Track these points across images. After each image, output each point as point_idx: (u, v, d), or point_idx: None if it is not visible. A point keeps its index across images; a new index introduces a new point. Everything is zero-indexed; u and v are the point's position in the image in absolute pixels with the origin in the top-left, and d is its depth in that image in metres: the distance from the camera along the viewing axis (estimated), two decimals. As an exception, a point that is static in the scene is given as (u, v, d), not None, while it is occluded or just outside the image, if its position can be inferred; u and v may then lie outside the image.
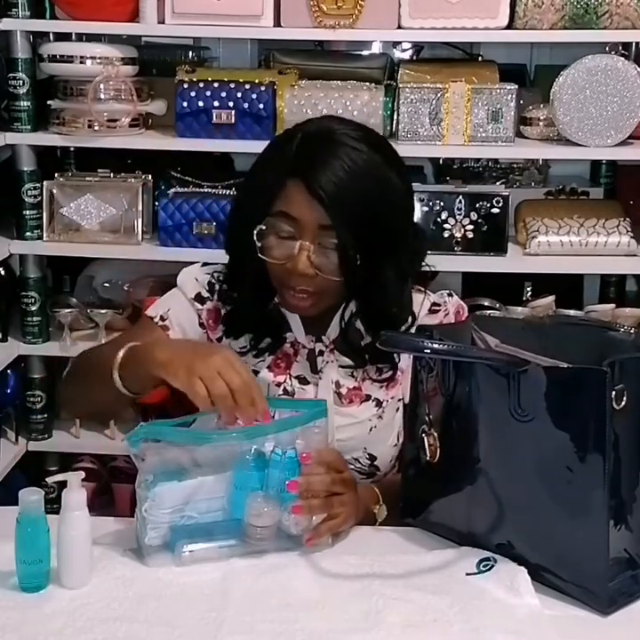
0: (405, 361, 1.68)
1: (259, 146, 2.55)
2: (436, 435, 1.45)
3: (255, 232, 1.58)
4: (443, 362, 1.45)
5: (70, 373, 1.77)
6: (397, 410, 1.72)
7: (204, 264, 1.76)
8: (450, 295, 1.76)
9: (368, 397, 1.69)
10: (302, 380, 1.68)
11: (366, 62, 2.69)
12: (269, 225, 1.58)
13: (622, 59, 2.49)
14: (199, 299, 1.71)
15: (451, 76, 2.54)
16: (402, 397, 1.71)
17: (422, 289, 1.74)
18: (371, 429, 1.68)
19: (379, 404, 1.69)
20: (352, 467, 1.64)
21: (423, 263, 1.70)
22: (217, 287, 1.72)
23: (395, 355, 1.68)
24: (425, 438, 1.45)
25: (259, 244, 1.58)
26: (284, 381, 1.68)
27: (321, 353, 1.69)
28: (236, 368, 1.43)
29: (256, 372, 1.66)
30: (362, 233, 1.55)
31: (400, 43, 2.92)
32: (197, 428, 1.50)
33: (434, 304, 1.73)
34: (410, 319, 1.67)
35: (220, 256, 1.76)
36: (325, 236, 1.55)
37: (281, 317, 1.68)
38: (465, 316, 1.74)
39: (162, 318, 1.69)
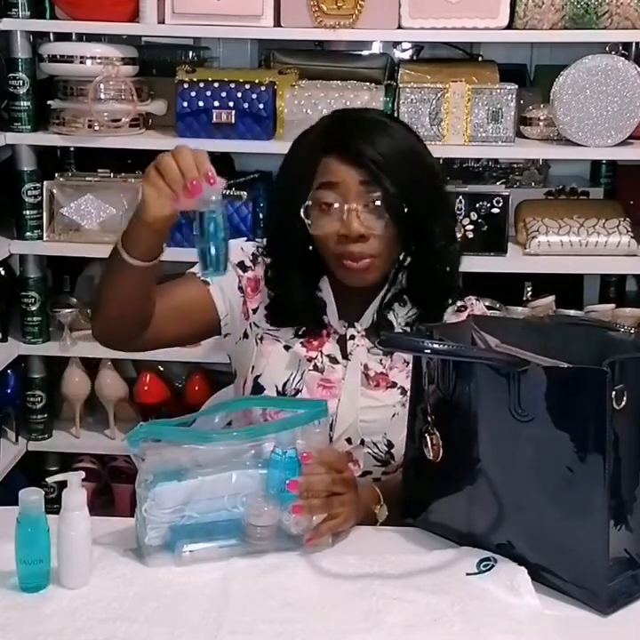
0: None
1: (259, 146, 2.56)
2: (438, 435, 1.45)
3: (302, 210, 1.63)
4: (443, 362, 1.45)
5: (93, 296, 1.77)
6: None
7: (248, 239, 1.83)
8: (477, 300, 1.81)
9: (394, 384, 1.71)
10: (333, 360, 1.71)
11: (366, 62, 2.69)
12: (314, 199, 1.63)
13: (622, 59, 2.49)
14: (242, 266, 1.75)
15: (451, 75, 2.54)
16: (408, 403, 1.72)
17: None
18: (393, 416, 1.70)
19: (404, 392, 1.70)
20: (369, 451, 1.68)
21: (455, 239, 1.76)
22: (260, 260, 1.76)
23: None
24: (428, 438, 1.45)
25: (308, 222, 1.64)
26: (316, 357, 1.70)
27: (352, 337, 1.72)
28: (187, 151, 1.45)
29: (288, 348, 1.72)
30: (402, 184, 1.61)
31: (400, 43, 2.91)
32: (197, 428, 1.50)
33: (462, 305, 1.77)
34: (457, 289, 1.75)
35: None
36: (369, 193, 1.61)
37: (320, 304, 1.73)
38: None
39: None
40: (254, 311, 1.75)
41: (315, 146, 1.67)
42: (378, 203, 1.61)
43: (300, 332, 1.73)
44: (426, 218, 1.65)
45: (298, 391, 1.69)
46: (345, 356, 1.72)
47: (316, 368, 1.70)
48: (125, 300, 1.59)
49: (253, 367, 1.73)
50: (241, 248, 1.77)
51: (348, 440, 1.68)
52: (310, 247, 1.69)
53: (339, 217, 1.62)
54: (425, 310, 1.73)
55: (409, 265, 1.72)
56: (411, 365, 1.69)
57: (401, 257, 1.71)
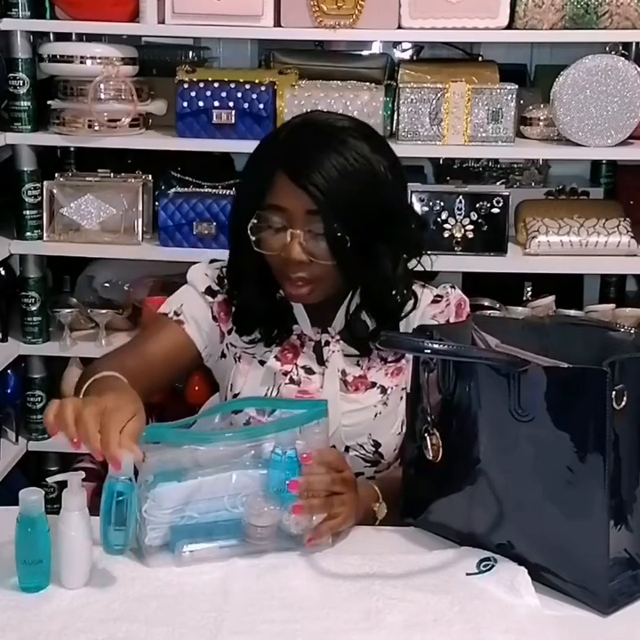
0: None
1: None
2: (438, 435, 1.45)
3: (249, 227, 1.61)
4: (443, 362, 1.45)
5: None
6: (401, 398, 1.72)
7: (212, 260, 1.79)
8: (452, 287, 1.78)
9: (373, 384, 1.71)
10: (308, 371, 1.70)
11: (366, 62, 2.69)
12: (261, 218, 1.61)
13: (622, 59, 2.49)
14: (210, 292, 1.73)
15: (451, 75, 2.54)
16: (405, 386, 1.72)
17: (424, 283, 1.76)
18: (376, 416, 1.69)
19: (383, 390, 1.70)
20: (356, 453, 1.68)
21: (422, 252, 1.71)
22: (226, 282, 1.74)
23: None
24: (428, 438, 1.45)
25: (253, 238, 1.62)
26: (291, 371, 1.70)
27: (327, 343, 1.71)
28: (109, 413, 1.32)
29: (263, 363, 1.70)
30: (349, 216, 1.58)
31: (400, 43, 2.92)
32: (198, 429, 1.50)
33: (437, 296, 1.75)
34: (411, 304, 1.71)
35: (220, 256, 1.77)
36: (314, 222, 1.58)
37: (287, 309, 1.71)
38: (466, 309, 1.76)
39: (176, 313, 1.71)
40: (229, 332, 1.73)
41: (272, 155, 1.63)
42: (322, 232, 1.58)
43: (271, 343, 1.71)
44: (371, 246, 1.61)
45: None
46: (321, 362, 1.71)
47: (292, 381, 1.69)
48: None
49: (231, 385, 1.72)
50: (205, 274, 1.74)
51: (333, 447, 1.65)
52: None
53: (282, 240, 1.59)
54: (380, 322, 1.69)
55: (357, 283, 1.68)
56: (389, 363, 1.72)
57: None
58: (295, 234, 1.58)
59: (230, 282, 1.73)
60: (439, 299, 1.75)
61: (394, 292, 1.68)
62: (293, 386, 1.69)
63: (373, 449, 1.70)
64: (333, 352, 1.70)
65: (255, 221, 1.62)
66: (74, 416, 1.31)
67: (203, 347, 1.72)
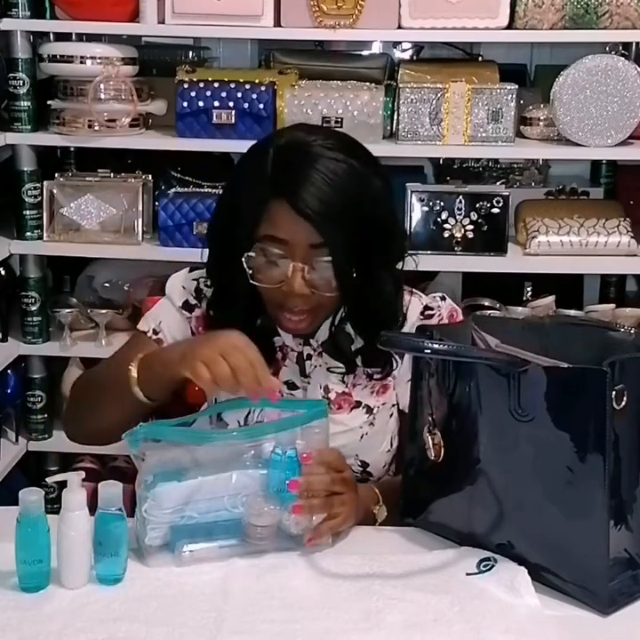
0: (402, 368, 1.68)
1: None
2: (439, 434, 1.45)
3: (244, 259, 1.55)
4: (443, 362, 1.45)
5: (75, 400, 1.73)
6: (391, 415, 1.70)
7: (192, 269, 1.73)
8: (442, 299, 1.73)
9: (358, 404, 1.67)
10: (291, 386, 1.67)
11: (366, 62, 2.69)
12: (258, 250, 1.55)
13: (622, 59, 2.49)
14: (187, 307, 1.69)
15: (451, 75, 2.54)
16: (395, 403, 1.70)
17: (413, 290, 1.72)
18: (362, 437, 1.67)
19: (369, 410, 1.67)
20: None
21: (405, 259, 1.67)
22: (205, 293, 1.69)
23: (393, 359, 1.67)
24: (430, 438, 1.45)
25: (249, 271, 1.56)
26: None
27: (309, 357, 1.67)
28: (239, 348, 1.43)
29: None
30: (354, 245, 1.53)
31: (400, 43, 2.92)
32: (197, 428, 1.50)
33: (426, 307, 1.71)
34: (400, 320, 1.67)
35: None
36: (318, 255, 1.53)
37: (269, 322, 1.65)
38: (459, 319, 1.72)
39: (154, 331, 1.67)
40: None
41: (261, 185, 1.54)
42: (326, 266, 1.53)
43: None
44: (375, 272, 1.58)
45: (260, 422, 1.59)
46: (304, 373, 1.67)
47: None
48: (117, 420, 1.54)
49: (216, 400, 1.64)
50: (182, 286, 1.69)
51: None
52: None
53: (282, 273, 1.54)
54: (366, 340, 1.64)
55: (352, 303, 1.64)
56: (374, 381, 1.67)
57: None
58: (297, 267, 1.53)
59: (212, 307, 1.66)
60: (431, 312, 1.70)
61: (385, 313, 1.64)
62: (288, 398, 1.64)
63: (361, 469, 1.67)
64: (315, 367, 1.67)
65: (252, 254, 1.55)
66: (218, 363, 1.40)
67: None
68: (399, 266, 1.65)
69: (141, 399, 1.53)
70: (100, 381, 1.67)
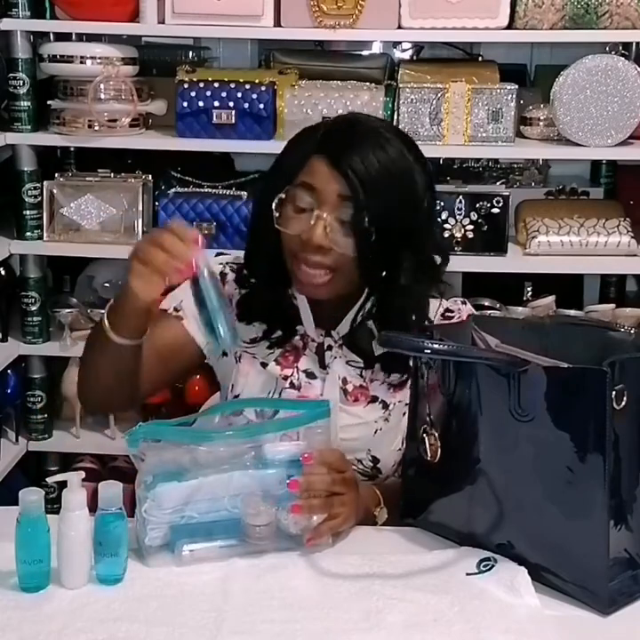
0: None
1: (259, 146, 2.56)
2: (436, 434, 1.45)
3: (274, 202, 1.58)
4: (443, 362, 1.45)
5: (80, 367, 1.72)
6: (404, 414, 1.69)
7: (218, 254, 1.77)
8: (463, 303, 1.75)
9: (375, 399, 1.67)
10: (310, 375, 1.67)
11: (366, 62, 2.69)
12: (289, 195, 1.58)
13: (622, 59, 2.49)
14: None
15: (451, 75, 2.54)
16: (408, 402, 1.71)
17: (436, 295, 1.72)
18: (376, 432, 1.67)
19: (385, 406, 1.67)
20: (354, 468, 1.63)
21: (442, 280, 1.68)
22: (229, 277, 1.71)
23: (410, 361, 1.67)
24: (426, 438, 1.45)
25: (276, 214, 1.58)
26: (292, 375, 1.66)
27: (329, 348, 1.68)
28: (162, 230, 1.45)
29: (264, 365, 1.67)
30: (381, 211, 1.54)
31: (400, 43, 2.92)
32: (197, 428, 1.50)
33: (447, 310, 1.72)
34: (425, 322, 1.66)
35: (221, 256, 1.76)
36: (343, 208, 1.55)
37: (293, 309, 1.67)
38: None
39: (175, 309, 1.68)
40: None
41: (309, 141, 1.61)
42: (349, 220, 1.54)
43: (274, 344, 1.68)
44: (395, 250, 1.57)
45: (276, 411, 1.62)
46: (323, 365, 1.67)
47: (292, 385, 1.65)
48: (114, 374, 1.57)
49: (233, 385, 1.69)
50: None
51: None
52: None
53: (306, 222, 1.55)
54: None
55: (374, 289, 1.64)
56: (393, 377, 1.67)
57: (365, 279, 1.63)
58: (321, 216, 1.54)
59: (245, 265, 1.70)
60: (451, 314, 1.72)
61: (411, 314, 1.62)
62: (294, 391, 1.65)
63: (371, 465, 1.67)
64: (335, 358, 1.67)
65: (283, 196, 1.58)
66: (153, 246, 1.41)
67: (203, 343, 1.69)
68: (428, 269, 1.64)
69: (114, 338, 1.52)
70: (89, 340, 1.67)
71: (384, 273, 1.58)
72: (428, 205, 1.62)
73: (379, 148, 1.55)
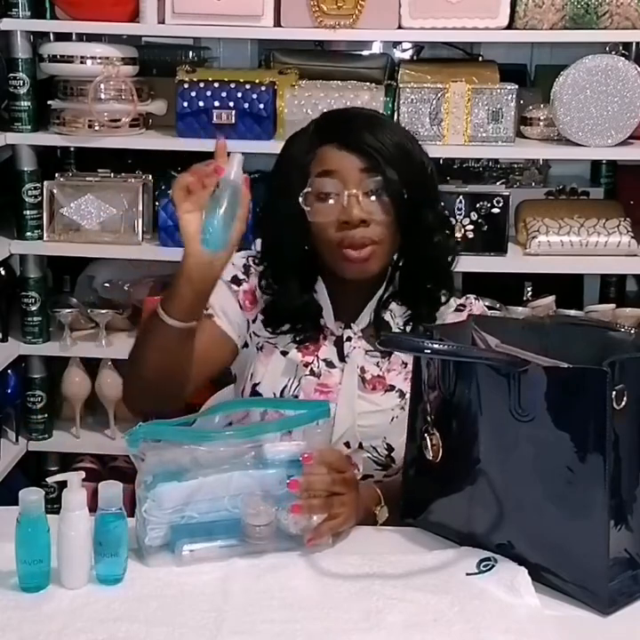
0: None
1: (259, 146, 2.56)
2: (438, 434, 1.45)
3: (301, 198, 1.62)
4: (443, 362, 1.45)
5: (129, 365, 1.67)
6: None
7: (239, 249, 1.76)
8: (477, 299, 1.80)
9: (392, 388, 1.71)
10: (329, 364, 1.71)
11: (366, 62, 2.69)
12: (313, 187, 1.63)
13: (623, 59, 2.49)
14: (235, 281, 1.74)
15: (451, 76, 2.54)
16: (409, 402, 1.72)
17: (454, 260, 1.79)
18: (392, 419, 1.69)
19: (402, 395, 1.70)
20: (369, 455, 1.68)
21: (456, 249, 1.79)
22: (253, 270, 1.75)
23: None
24: (427, 438, 1.45)
25: (307, 209, 1.63)
26: (312, 362, 1.70)
27: (349, 339, 1.71)
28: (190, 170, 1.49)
29: (285, 353, 1.71)
30: (401, 171, 1.62)
31: (400, 43, 2.92)
32: (198, 428, 1.50)
33: (460, 305, 1.77)
34: (444, 299, 1.73)
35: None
36: (369, 180, 1.61)
37: (316, 307, 1.72)
38: None
39: (205, 308, 1.66)
40: (253, 321, 1.74)
41: (311, 138, 1.67)
42: (378, 188, 1.61)
43: (297, 338, 1.72)
44: (422, 207, 1.66)
45: (296, 397, 1.68)
46: (342, 358, 1.71)
47: (312, 373, 1.70)
48: (168, 363, 1.55)
49: (252, 374, 1.72)
50: (232, 263, 1.71)
51: (347, 444, 1.67)
52: (306, 247, 1.68)
53: (338, 204, 1.61)
54: (418, 309, 1.72)
55: (404, 262, 1.72)
56: (409, 367, 1.68)
57: (397, 252, 1.71)
58: (352, 194, 1.60)
59: (270, 277, 1.72)
60: (462, 308, 1.76)
61: (442, 264, 1.72)
62: (313, 378, 1.69)
63: (386, 453, 1.70)
64: (354, 348, 1.70)
65: (309, 189, 1.63)
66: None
67: (237, 337, 1.72)
68: (449, 240, 1.75)
69: (167, 321, 1.51)
70: (138, 336, 1.66)
71: (419, 228, 1.66)
72: (429, 165, 1.72)
73: (380, 124, 1.66)
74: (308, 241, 1.67)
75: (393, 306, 1.74)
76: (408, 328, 1.73)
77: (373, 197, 1.62)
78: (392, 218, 1.63)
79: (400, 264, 1.73)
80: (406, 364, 1.71)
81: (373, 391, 1.70)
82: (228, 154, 1.50)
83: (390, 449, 1.70)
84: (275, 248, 1.73)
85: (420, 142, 1.74)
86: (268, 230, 1.75)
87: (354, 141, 1.62)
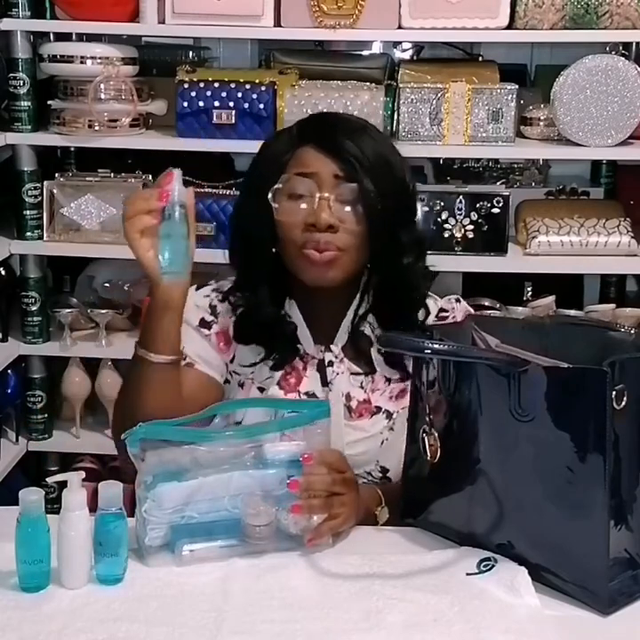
0: None
1: (259, 146, 2.55)
2: (436, 435, 1.45)
3: (270, 194, 1.59)
4: (443, 362, 1.45)
5: (117, 410, 1.65)
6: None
7: (198, 287, 1.72)
8: (457, 301, 1.76)
9: (378, 410, 1.67)
10: (312, 396, 1.66)
11: (366, 62, 2.69)
12: (285, 185, 1.60)
13: (623, 59, 2.49)
14: (204, 324, 1.69)
15: (451, 75, 2.54)
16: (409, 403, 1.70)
17: (430, 294, 1.73)
18: (382, 442, 1.67)
19: (389, 415, 1.68)
20: (364, 480, 1.64)
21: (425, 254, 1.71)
22: (219, 308, 1.69)
23: (407, 363, 1.67)
24: (425, 438, 1.45)
25: (275, 206, 1.59)
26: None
27: (331, 363, 1.67)
28: (129, 200, 1.49)
29: (262, 390, 1.66)
30: (378, 182, 1.58)
31: (400, 43, 2.92)
32: (197, 428, 1.50)
33: (441, 309, 1.73)
34: (422, 313, 1.69)
35: (219, 256, 1.76)
36: (342, 188, 1.58)
37: (291, 327, 1.67)
38: None
39: (183, 358, 1.63)
40: (231, 361, 1.69)
41: (291, 138, 1.64)
42: (352, 196, 1.57)
43: (274, 367, 1.66)
44: (396, 223, 1.61)
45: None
46: (325, 383, 1.66)
47: None
48: (163, 400, 1.53)
49: (235, 412, 1.65)
50: (195, 305, 1.67)
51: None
52: (274, 248, 1.63)
53: (309, 206, 1.58)
54: (391, 330, 1.64)
55: (375, 280, 1.66)
56: (393, 384, 1.68)
57: (367, 268, 1.65)
58: (324, 197, 1.57)
59: (236, 287, 1.69)
60: (445, 314, 1.72)
61: (412, 288, 1.66)
62: (296, 413, 1.60)
63: (381, 475, 1.67)
64: (337, 374, 1.66)
65: (279, 186, 1.59)
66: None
67: (220, 377, 1.68)
68: (423, 263, 1.68)
69: (147, 357, 1.51)
70: (125, 381, 1.65)
71: (389, 244, 1.61)
72: (411, 183, 1.68)
73: (362, 132, 1.62)
74: (275, 243, 1.63)
75: (371, 318, 1.68)
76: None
77: (346, 204, 1.58)
78: (362, 228, 1.58)
79: (373, 279, 1.67)
80: (390, 381, 1.68)
81: (360, 418, 1.66)
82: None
83: (385, 471, 1.67)
84: (244, 249, 1.67)
85: (402, 157, 1.69)
86: (238, 230, 1.71)
87: (333, 145, 1.58)
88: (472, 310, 1.76)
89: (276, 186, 1.59)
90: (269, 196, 1.59)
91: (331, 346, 1.68)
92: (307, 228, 1.58)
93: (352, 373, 1.67)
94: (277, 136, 1.72)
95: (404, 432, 1.66)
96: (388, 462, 1.67)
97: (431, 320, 1.71)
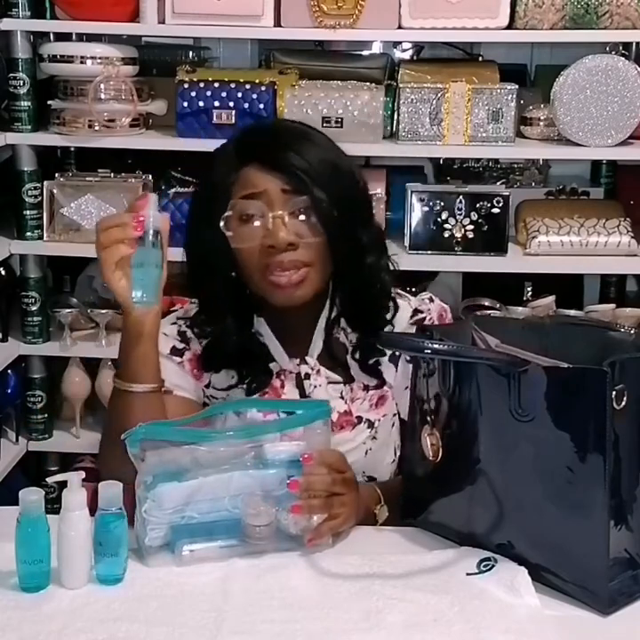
0: (398, 377, 1.68)
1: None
2: (438, 434, 1.45)
3: (222, 222, 1.54)
4: (443, 362, 1.45)
5: (104, 446, 1.62)
6: (393, 425, 1.70)
7: (162, 315, 1.66)
8: (431, 300, 1.74)
9: (359, 420, 1.66)
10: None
11: (366, 62, 2.69)
12: (234, 210, 1.55)
13: (623, 59, 2.49)
14: (176, 352, 1.66)
15: (451, 76, 2.54)
16: (396, 413, 1.70)
17: (400, 292, 1.72)
18: (366, 452, 1.66)
19: (371, 425, 1.67)
20: None
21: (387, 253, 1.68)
22: (189, 334, 1.67)
23: (384, 369, 1.67)
24: (427, 438, 1.45)
25: (229, 233, 1.55)
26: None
27: (307, 376, 1.65)
28: (100, 226, 1.45)
29: (238, 413, 1.61)
30: (329, 189, 1.54)
31: (400, 43, 2.92)
32: (197, 428, 1.50)
33: (416, 311, 1.71)
34: (391, 306, 1.66)
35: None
36: (295, 200, 1.53)
37: (261, 347, 1.64)
38: (448, 316, 1.73)
39: (163, 387, 1.60)
40: (207, 386, 1.67)
41: (232, 160, 1.58)
42: (305, 209, 1.53)
43: (250, 390, 1.63)
44: (354, 225, 1.58)
45: None
46: (303, 396, 1.64)
47: None
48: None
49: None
50: (164, 334, 1.62)
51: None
52: (233, 273, 1.59)
53: (263, 228, 1.53)
54: (363, 334, 1.64)
55: (342, 286, 1.63)
56: (371, 391, 1.67)
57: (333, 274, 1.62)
58: (277, 215, 1.52)
59: (200, 312, 1.65)
60: (420, 315, 1.70)
61: (379, 287, 1.63)
62: (277, 433, 1.56)
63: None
64: (315, 387, 1.64)
65: (229, 213, 1.54)
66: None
67: (198, 398, 1.67)
68: (386, 259, 1.65)
69: (127, 388, 1.50)
70: (108, 415, 1.61)
71: (351, 249, 1.58)
72: (361, 180, 1.64)
73: (302, 139, 1.58)
74: (234, 268, 1.59)
75: (344, 323, 1.66)
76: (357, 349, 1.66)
77: (301, 218, 1.53)
78: (323, 239, 1.54)
79: (339, 285, 1.64)
80: (368, 388, 1.67)
81: (342, 431, 1.64)
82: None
83: (372, 479, 1.66)
84: (202, 278, 1.63)
85: (349, 156, 1.64)
86: (194, 259, 1.64)
87: (277, 161, 1.53)
88: (447, 307, 1.74)
89: (225, 214, 1.54)
90: (221, 224, 1.54)
91: (306, 358, 1.65)
92: (266, 251, 1.53)
93: (331, 382, 1.65)
94: (215, 158, 1.65)
95: (388, 438, 1.68)
96: (375, 471, 1.67)
97: (406, 320, 1.68)
